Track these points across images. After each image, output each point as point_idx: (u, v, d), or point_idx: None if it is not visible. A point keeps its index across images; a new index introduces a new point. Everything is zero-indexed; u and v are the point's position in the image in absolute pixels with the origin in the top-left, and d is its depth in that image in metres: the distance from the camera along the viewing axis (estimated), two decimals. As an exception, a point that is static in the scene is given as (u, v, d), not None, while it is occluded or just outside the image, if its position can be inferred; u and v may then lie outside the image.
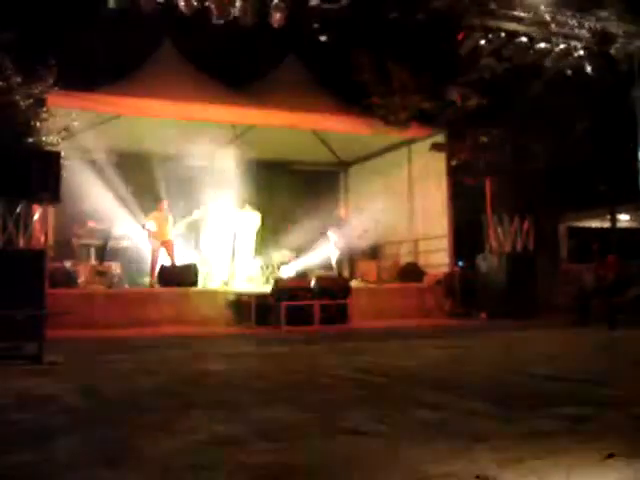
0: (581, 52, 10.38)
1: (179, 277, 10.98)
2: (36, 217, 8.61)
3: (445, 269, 12.53)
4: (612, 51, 10.36)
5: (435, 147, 12.54)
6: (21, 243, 8.20)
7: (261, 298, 10.11)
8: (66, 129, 9.37)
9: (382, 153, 14.79)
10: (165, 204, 12.14)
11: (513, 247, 11.75)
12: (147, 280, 11.61)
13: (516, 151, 11.38)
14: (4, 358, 6.01)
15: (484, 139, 11.54)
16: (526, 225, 11.74)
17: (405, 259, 13.74)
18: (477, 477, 2.37)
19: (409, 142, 13.78)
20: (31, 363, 5.92)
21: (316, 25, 9.27)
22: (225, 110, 11.63)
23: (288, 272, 12.65)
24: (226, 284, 11.68)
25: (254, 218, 12.63)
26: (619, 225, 15.68)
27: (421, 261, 13.43)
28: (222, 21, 8.78)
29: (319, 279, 10.65)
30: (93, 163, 12.25)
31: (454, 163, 12.20)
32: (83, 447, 2.92)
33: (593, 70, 10.53)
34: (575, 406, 3.72)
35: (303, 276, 11.93)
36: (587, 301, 9.91)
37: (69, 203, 9.60)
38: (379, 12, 9.34)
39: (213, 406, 3.89)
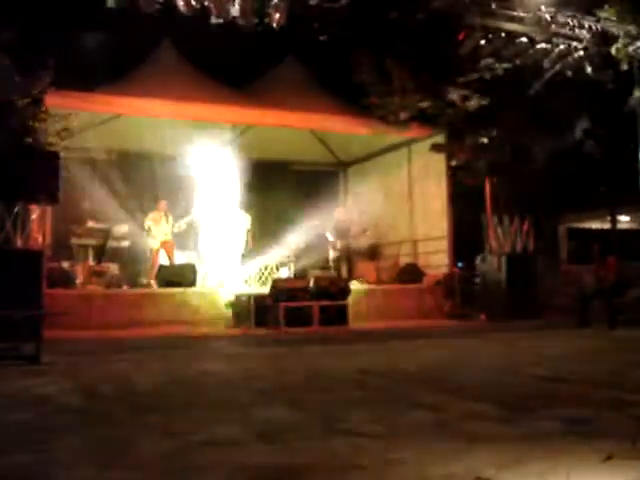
0: (581, 52, 10.37)
1: (177, 277, 10.95)
2: (34, 217, 8.59)
3: (445, 270, 12.51)
4: (612, 51, 10.35)
5: (435, 147, 12.52)
6: (19, 243, 8.18)
7: (260, 299, 10.08)
8: (65, 129, 9.34)
9: (382, 153, 14.78)
10: (164, 204, 12.12)
11: (513, 248, 11.73)
12: (146, 280, 11.59)
13: (516, 152, 11.36)
14: (2, 358, 5.99)
15: (484, 139, 11.52)
16: (526, 226, 11.73)
17: (404, 260, 13.72)
18: (476, 478, 2.35)
19: (409, 142, 13.76)
20: (29, 363, 5.91)
21: (316, 25, 9.24)
22: (224, 110, 11.61)
23: (287, 273, 12.62)
24: (222, 285, 11.66)
25: (244, 219, 12.55)
26: (619, 226, 15.67)
27: (421, 262, 13.41)
28: (221, 21, 8.77)
29: (318, 280, 10.62)
30: (92, 163, 12.22)
31: (454, 163, 12.18)
32: (81, 447, 2.90)
33: (593, 70, 10.52)
34: (575, 407, 3.70)
35: (302, 277, 11.90)
36: (587, 302, 9.89)
37: (67, 203, 9.58)
38: (379, 12, 9.32)
39: (212, 407, 3.87)
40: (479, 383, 4.77)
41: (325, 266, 13.02)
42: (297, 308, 9.87)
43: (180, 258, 12.14)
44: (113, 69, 11.78)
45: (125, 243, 12.11)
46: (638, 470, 2.45)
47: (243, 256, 12.44)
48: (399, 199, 14.08)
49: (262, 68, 13.48)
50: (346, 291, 10.55)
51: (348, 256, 13.44)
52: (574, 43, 10.26)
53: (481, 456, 2.64)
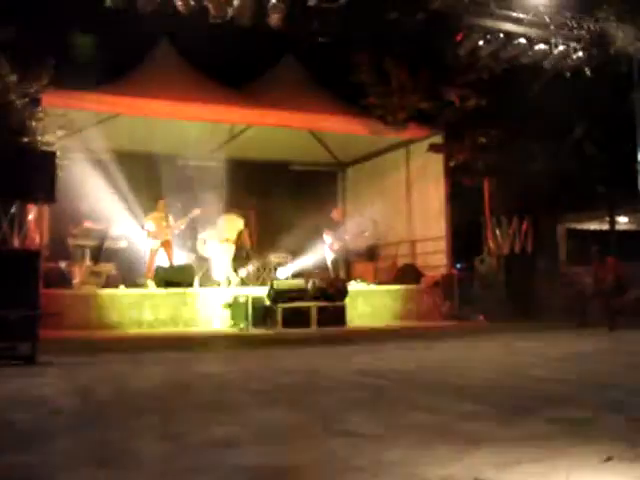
0: (580, 53, 10.37)
1: (176, 278, 10.93)
2: (31, 217, 8.57)
3: (443, 270, 12.49)
4: (611, 52, 10.35)
5: (433, 148, 12.52)
6: (16, 243, 8.16)
7: (258, 300, 10.07)
8: (62, 128, 9.32)
9: (380, 154, 14.77)
10: (163, 204, 12.09)
11: (511, 249, 11.73)
12: (142, 281, 11.55)
13: (514, 152, 11.35)
14: (-2, 358, 5.96)
15: (482, 140, 11.52)
16: (525, 226, 11.73)
17: (403, 260, 13.70)
18: (475, 479, 2.33)
19: (407, 143, 13.75)
20: (25, 364, 5.89)
21: (314, 25, 9.23)
22: (223, 110, 11.59)
23: (285, 274, 12.59)
24: (219, 285, 11.64)
25: (237, 223, 12.46)
26: (618, 227, 15.66)
27: (419, 262, 13.39)
28: (219, 21, 8.75)
29: (316, 280, 10.61)
30: (90, 162, 12.19)
31: (452, 164, 12.18)
32: (78, 448, 2.88)
33: (592, 71, 10.52)
34: (574, 408, 3.69)
35: (300, 277, 11.88)
36: (586, 303, 9.88)
37: (65, 203, 9.54)
38: (377, 12, 9.31)
39: (210, 408, 3.85)
40: (478, 384, 4.76)
41: (323, 267, 13.00)
42: (295, 309, 9.86)
43: (179, 258, 12.10)
44: (111, 68, 11.74)
45: (122, 243, 12.09)
46: (638, 471, 2.44)
47: (241, 257, 12.40)
48: (397, 199, 14.07)
49: (261, 68, 13.45)
50: (344, 292, 10.54)
51: (346, 257, 13.43)
52: (573, 44, 10.26)
53: (480, 457, 2.62)
